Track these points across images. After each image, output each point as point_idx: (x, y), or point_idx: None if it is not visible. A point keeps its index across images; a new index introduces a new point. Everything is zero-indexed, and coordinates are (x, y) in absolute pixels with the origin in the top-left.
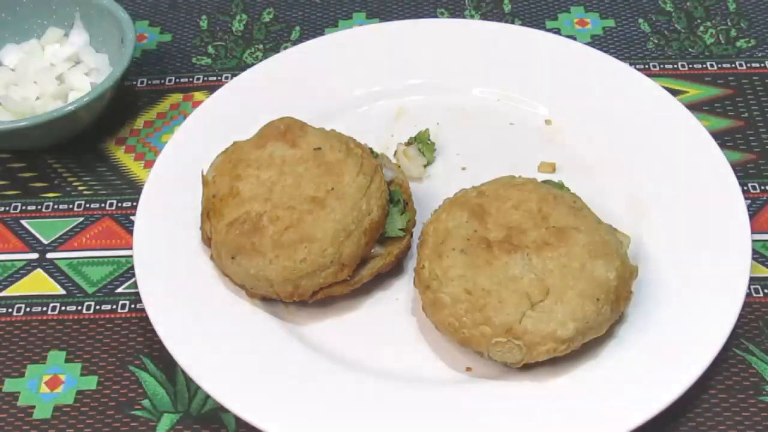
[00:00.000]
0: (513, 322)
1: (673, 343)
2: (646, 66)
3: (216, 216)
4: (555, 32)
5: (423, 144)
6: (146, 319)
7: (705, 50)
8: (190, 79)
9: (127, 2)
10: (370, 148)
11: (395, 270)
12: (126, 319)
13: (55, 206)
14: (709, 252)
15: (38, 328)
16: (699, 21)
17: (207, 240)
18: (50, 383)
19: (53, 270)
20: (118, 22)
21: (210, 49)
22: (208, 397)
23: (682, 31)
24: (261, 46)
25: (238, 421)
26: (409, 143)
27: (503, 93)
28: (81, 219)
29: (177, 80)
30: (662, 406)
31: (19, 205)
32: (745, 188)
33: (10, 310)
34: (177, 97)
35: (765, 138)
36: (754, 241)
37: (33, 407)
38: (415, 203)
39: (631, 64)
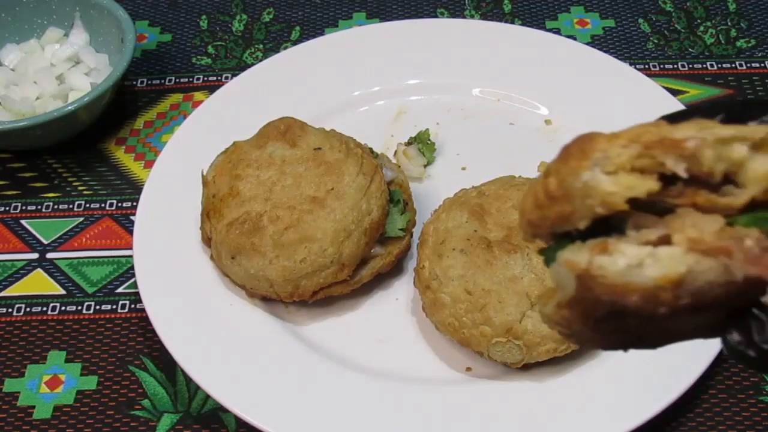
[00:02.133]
0: (513, 322)
1: None
2: (646, 66)
3: (216, 216)
4: (555, 32)
5: (423, 144)
6: (146, 319)
7: (705, 50)
8: (190, 79)
9: (127, 2)
10: (370, 148)
11: (395, 270)
12: (126, 319)
13: (55, 206)
14: None
15: (38, 328)
16: (699, 21)
17: (207, 240)
18: (50, 383)
19: (53, 270)
20: (118, 22)
21: (210, 49)
22: (208, 397)
23: (682, 31)
24: (261, 46)
25: (238, 421)
26: (409, 143)
27: (503, 93)
28: (81, 219)
29: (177, 80)
30: (663, 405)
31: (19, 205)
32: None
33: (10, 310)
34: (177, 97)
35: None
36: None
37: (33, 407)
38: (415, 203)
39: (631, 64)
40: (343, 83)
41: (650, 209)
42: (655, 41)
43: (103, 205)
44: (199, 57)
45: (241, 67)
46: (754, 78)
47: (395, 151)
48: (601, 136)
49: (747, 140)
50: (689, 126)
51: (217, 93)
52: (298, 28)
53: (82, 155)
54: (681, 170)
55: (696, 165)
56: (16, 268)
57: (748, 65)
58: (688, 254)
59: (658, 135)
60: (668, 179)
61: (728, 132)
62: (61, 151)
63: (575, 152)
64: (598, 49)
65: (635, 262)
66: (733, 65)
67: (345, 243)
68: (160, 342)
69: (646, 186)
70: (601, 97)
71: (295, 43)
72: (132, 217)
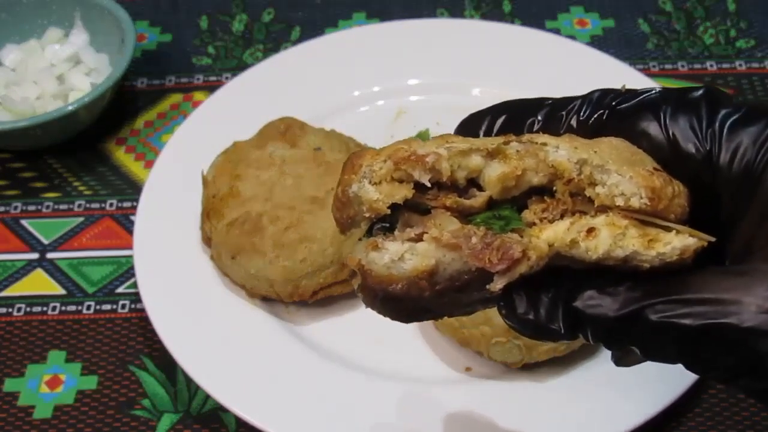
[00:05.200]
0: None
1: None
2: (646, 66)
3: (216, 216)
4: (555, 32)
5: None
6: (146, 319)
7: (705, 50)
8: (190, 79)
9: (127, 2)
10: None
11: None
12: (126, 319)
13: (55, 206)
14: None
15: (38, 328)
16: (699, 21)
17: (207, 240)
18: (50, 383)
19: (53, 270)
20: (118, 22)
21: (210, 49)
22: (208, 397)
23: (682, 31)
24: (261, 46)
25: (238, 421)
26: None
27: (503, 93)
28: (81, 219)
29: (177, 80)
30: (663, 405)
31: (19, 205)
32: None
33: (10, 310)
34: (177, 97)
35: None
36: None
37: (33, 407)
38: None
39: (631, 64)
40: (343, 83)
41: (417, 209)
42: (655, 41)
43: (103, 205)
44: (199, 57)
45: (241, 67)
46: (754, 78)
47: None
48: (368, 153)
49: (481, 151)
50: (434, 142)
51: (217, 93)
52: (298, 28)
53: (82, 155)
54: (425, 180)
55: (438, 174)
56: (16, 268)
57: (748, 65)
58: (437, 249)
59: (407, 152)
60: (424, 185)
61: (465, 145)
62: (61, 151)
63: (348, 167)
64: (598, 49)
65: (397, 257)
66: (733, 65)
67: (345, 243)
68: (160, 342)
69: (401, 193)
70: None
71: (295, 43)
72: (132, 217)
